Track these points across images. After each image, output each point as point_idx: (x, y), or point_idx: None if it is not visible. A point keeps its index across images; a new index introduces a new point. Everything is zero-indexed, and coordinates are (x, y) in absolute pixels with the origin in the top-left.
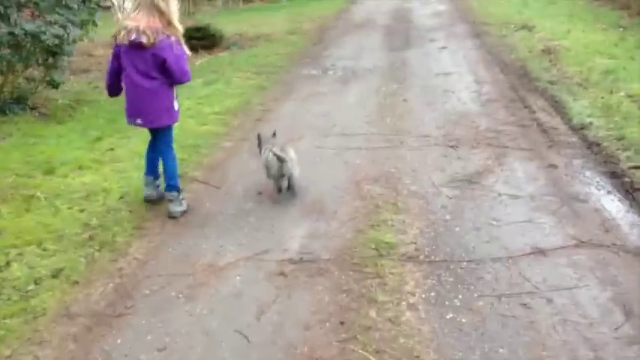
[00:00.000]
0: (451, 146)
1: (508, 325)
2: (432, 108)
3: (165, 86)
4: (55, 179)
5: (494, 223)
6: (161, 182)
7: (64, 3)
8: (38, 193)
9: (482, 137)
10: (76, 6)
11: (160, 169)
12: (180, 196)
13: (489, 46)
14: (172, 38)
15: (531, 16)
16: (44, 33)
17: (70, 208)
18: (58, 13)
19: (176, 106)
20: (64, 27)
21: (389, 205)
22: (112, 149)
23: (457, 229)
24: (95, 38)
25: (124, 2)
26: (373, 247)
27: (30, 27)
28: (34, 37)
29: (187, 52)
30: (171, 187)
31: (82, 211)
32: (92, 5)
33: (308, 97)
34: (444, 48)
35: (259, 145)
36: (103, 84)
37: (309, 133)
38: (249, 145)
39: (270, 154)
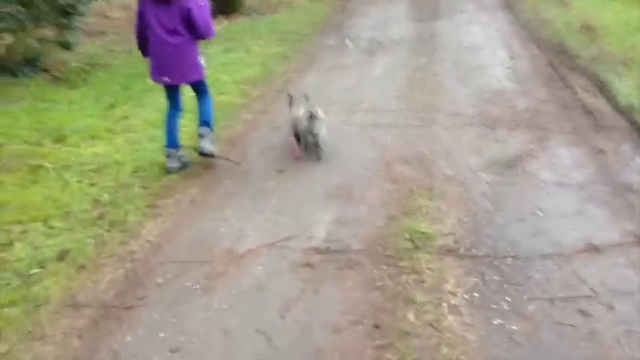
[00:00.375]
0: (487, 127)
1: (566, 336)
2: (465, 84)
3: (192, 42)
4: (65, 149)
5: (541, 214)
6: (181, 154)
7: None
8: (46, 164)
9: (521, 118)
10: None
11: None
12: (211, 135)
13: (523, 21)
14: None
15: None
16: None
17: (79, 182)
18: None
19: (202, 62)
20: None
21: (423, 191)
22: (125, 118)
23: (499, 219)
24: None
25: None
26: (408, 237)
27: None
28: None
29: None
30: (206, 123)
31: (92, 185)
32: None
33: (332, 68)
34: (474, 20)
35: (290, 104)
36: (118, 47)
37: (334, 108)
38: (270, 118)
39: (302, 109)
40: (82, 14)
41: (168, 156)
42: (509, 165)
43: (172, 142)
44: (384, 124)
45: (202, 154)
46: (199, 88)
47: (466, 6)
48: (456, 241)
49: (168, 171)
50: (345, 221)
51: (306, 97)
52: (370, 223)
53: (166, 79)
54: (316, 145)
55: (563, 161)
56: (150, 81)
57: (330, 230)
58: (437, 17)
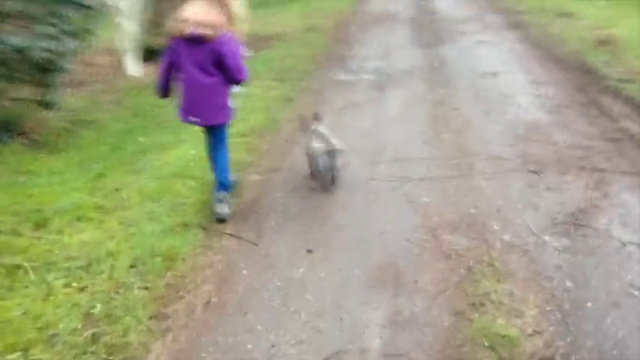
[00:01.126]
0: (533, 171)
1: None
2: (492, 118)
3: (223, 83)
4: (47, 237)
5: (636, 293)
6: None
7: (55, 11)
8: (25, 263)
9: (568, 157)
10: (70, 14)
11: None
12: (230, 196)
13: (534, 39)
14: (231, 34)
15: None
16: (33, 47)
17: (66, 286)
18: (49, 24)
19: (232, 104)
20: (56, 39)
21: (484, 268)
22: (117, 190)
23: (589, 304)
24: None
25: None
26: (487, 344)
27: (16, 41)
28: (21, 51)
29: (246, 52)
30: (224, 186)
31: (81, 289)
32: (90, 11)
33: (343, 109)
34: (481, 42)
35: (301, 129)
36: (106, 97)
37: (354, 159)
38: (283, 177)
39: (317, 141)
40: (63, 69)
41: (220, 200)
42: (574, 222)
43: (224, 182)
44: (415, 177)
45: (220, 220)
46: (218, 136)
47: (468, 27)
48: (547, 345)
49: (218, 218)
50: (401, 321)
51: (318, 118)
52: (433, 323)
53: (195, 119)
54: (334, 179)
55: (635, 211)
56: (141, 139)
57: (385, 338)
58: (441, 42)
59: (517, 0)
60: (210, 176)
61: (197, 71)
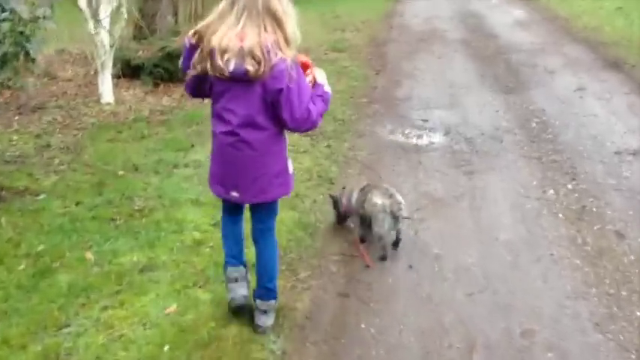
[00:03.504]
0: None
1: None
2: None
3: (278, 139)
4: None
5: None
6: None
7: None
8: None
9: None
10: None
11: None
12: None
13: None
14: (288, 62)
15: None
16: None
17: None
18: None
19: (290, 169)
20: None
21: None
22: None
23: None
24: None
25: (97, 7)
26: None
27: None
28: None
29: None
30: (270, 292)
31: None
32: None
33: (415, 208)
34: (581, 89)
35: (335, 202)
36: (58, 138)
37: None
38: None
39: (376, 198)
40: None
41: (236, 280)
42: None
43: (239, 257)
44: None
45: (260, 332)
46: (265, 217)
47: (549, 63)
48: None
49: (235, 306)
50: None
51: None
52: None
53: (235, 194)
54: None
55: None
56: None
57: None
58: (523, 84)
59: (586, 25)
60: None
61: (236, 123)
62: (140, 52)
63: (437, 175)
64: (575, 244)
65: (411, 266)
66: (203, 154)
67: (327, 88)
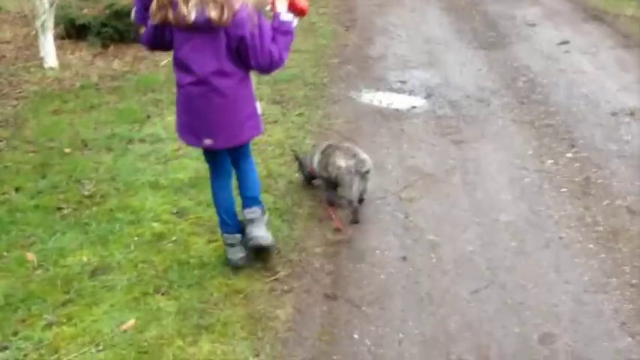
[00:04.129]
0: None
1: None
2: None
3: (246, 82)
4: None
5: None
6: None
7: None
8: None
9: None
10: None
11: None
12: (265, 217)
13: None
14: (250, 7)
15: None
16: None
17: None
18: None
19: (259, 110)
20: None
21: None
22: None
23: None
24: None
25: None
26: None
27: None
28: None
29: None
30: (255, 200)
31: None
32: None
33: (405, 187)
34: (565, 43)
35: (300, 164)
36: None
37: None
38: None
39: (341, 160)
40: None
41: (231, 245)
42: None
43: (234, 224)
44: None
45: (258, 249)
46: (242, 151)
47: (528, 14)
48: None
49: (234, 264)
50: None
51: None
52: None
53: (209, 141)
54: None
55: None
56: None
57: None
58: (504, 38)
59: None
60: None
61: (207, 73)
62: (85, 10)
63: (423, 145)
64: (585, 224)
65: (405, 258)
66: (161, 125)
67: (285, 17)
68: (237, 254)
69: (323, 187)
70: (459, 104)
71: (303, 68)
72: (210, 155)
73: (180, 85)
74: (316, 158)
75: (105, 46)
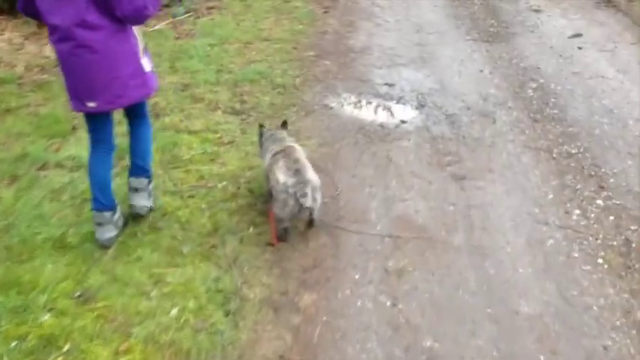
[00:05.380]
0: None
1: None
2: None
3: (122, 38)
4: None
5: None
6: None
7: None
8: None
9: None
10: None
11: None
12: (150, 186)
13: None
14: None
15: None
16: None
17: None
18: None
19: (147, 66)
20: None
21: None
22: None
23: None
24: None
25: None
26: None
27: None
28: None
29: None
30: (143, 170)
31: None
32: None
33: (392, 254)
34: (577, 36)
35: (261, 143)
36: None
37: None
38: None
39: (280, 162)
40: None
41: (99, 223)
42: None
43: (106, 202)
44: None
45: (138, 215)
46: (138, 111)
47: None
48: None
49: (101, 244)
50: None
51: (285, 126)
52: None
53: (92, 104)
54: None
55: None
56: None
57: None
58: (504, 25)
59: None
60: None
61: (68, 25)
62: None
63: (415, 183)
64: (635, 322)
65: None
66: (87, 141)
67: None
68: (105, 234)
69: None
70: (459, 119)
71: (272, 63)
72: (92, 122)
73: (53, 46)
74: (267, 159)
75: (41, 25)
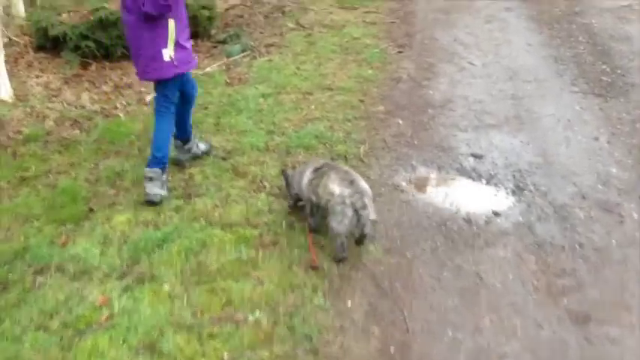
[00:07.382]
0: None
1: None
2: None
3: (147, 25)
4: None
5: None
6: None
7: None
8: None
9: None
10: None
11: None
12: (164, 176)
13: None
14: None
15: None
16: None
17: None
18: None
19: (166, 56)
20: None
21: None
22: None
23: None
24: None
25: None
26: None
27: None
28: None
29: None
30: (156, 159)
31: None
32: None
33: None
34: None
35: (287, 182)
36: None
37: None
38: None
39: (334, 186)
40: None
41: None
42: None
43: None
44: None
45: (148, 203)
46: (156, 97)
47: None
48: None
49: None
50: None
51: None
52: None
53: (135, 69)
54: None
55: None
56: None
57: None
58: (618, 71)
59: None
60: None
61: (124, 4)
62: (64, 16)
63: (518, 323)
64: None
65: None
66: (101, 233)
67: None
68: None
69: (307, 211)
70: (572, 215)
71: (333, 122)
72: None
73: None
74: (307, 176)
75: (84, 66)
